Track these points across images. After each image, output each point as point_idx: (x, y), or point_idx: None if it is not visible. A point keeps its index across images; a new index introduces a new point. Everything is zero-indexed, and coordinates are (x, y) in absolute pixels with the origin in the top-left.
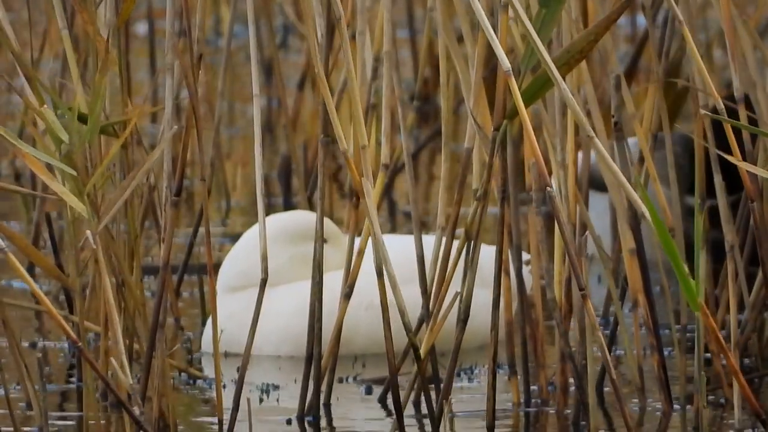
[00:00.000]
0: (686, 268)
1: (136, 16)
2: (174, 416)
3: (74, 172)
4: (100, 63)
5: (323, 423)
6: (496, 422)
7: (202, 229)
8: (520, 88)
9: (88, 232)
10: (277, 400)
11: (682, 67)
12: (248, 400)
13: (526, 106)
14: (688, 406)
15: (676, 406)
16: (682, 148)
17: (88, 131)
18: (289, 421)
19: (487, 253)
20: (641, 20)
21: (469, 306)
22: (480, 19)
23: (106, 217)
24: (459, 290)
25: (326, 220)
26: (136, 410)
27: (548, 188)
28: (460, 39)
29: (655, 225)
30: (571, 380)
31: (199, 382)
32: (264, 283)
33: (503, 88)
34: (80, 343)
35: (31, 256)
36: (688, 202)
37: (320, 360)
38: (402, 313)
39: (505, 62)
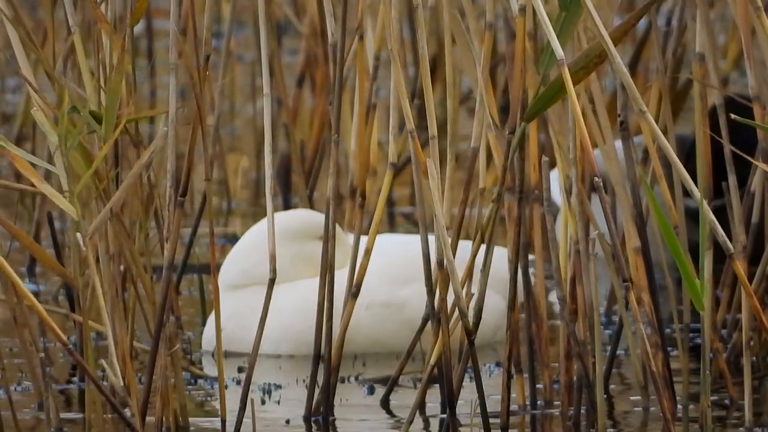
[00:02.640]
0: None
1: None
2: (186, 416)
3: (63, 173)
4: (116, 61)
5: (328, 423)
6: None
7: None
8: (538, 92)
9: (78, 234)
10: (278, 402)
11: (683, 66)
12: (251, 401)
13: (543, 109)
14: (691, 406)
15: (679, 406)
16: (677, 149)
17: (103, 129)
18: (288, 422)
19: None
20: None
21: (482, 308)
22: (538, 10)
23: (97, 219)
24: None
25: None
26: (127, 412)
27: (596, 178)
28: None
29: (660, 224)
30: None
31: (200, 381)
32: (272, 282)
33: (518, 89)
34: (69, 346)
35: (36, 253)
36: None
37: (330, 360)
38: (458, 297)
39: (558, 51)
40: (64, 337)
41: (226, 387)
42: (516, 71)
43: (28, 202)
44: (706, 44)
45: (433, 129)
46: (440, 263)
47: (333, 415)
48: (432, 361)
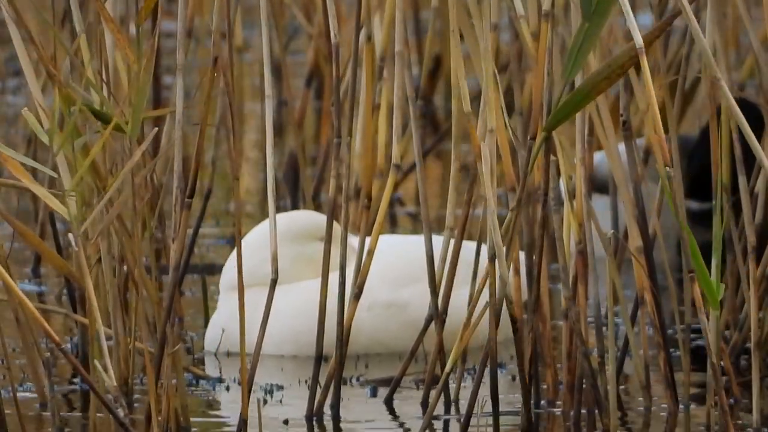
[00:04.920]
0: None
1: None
2: (187, 416)
3: (54, 174)
4: (144, 62)
5: (331, 424)
6: (504, 420)
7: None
8: (559, 102)
9: (70, 234)
10: (280, 401)
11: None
12: (258, 401)
13: (567, 118)
14: (692, 406)
15: (681, 406)
16: (679, 150)
17: (129, 129)
18: (286, 422)
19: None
20: (642, 19)
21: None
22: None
23: (89, 219)
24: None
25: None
26: (121, 412)
27: (667, 168)
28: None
29: (677, 220)
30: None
31: (202, 382)
32: (274, 283)
33: (540, 94)
34: (63, 345)
35: (43, 253)
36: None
37: (340, 360)
38: (505, 284)
39: (638, 39)
40: (57, 338)
41: (227, 388)
42: (537, 77)
43: (31, 202)
44: (717, 44)
45: (467, 105)
46: (491, 258)
47: (337, 416)
48: (450, 362)
